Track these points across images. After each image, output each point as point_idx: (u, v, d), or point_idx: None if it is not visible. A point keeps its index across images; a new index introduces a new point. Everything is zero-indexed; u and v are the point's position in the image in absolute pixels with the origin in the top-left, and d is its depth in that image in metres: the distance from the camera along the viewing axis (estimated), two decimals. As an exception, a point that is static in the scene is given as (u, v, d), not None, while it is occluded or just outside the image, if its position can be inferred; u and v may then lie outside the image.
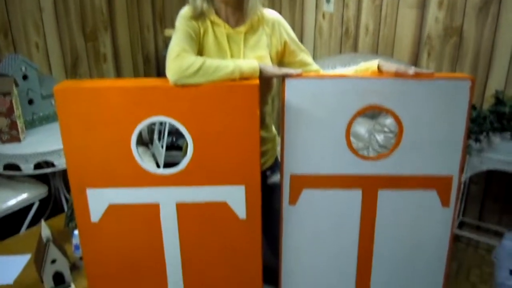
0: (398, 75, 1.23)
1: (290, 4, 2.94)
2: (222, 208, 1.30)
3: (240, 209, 1.30)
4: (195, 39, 1.35)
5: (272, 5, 3.00)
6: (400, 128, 1.27)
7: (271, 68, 1.31)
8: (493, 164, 2.38)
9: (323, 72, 1.53)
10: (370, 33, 2.69)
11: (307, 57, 1.53)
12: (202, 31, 1.38)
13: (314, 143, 1.28)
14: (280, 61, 1.50)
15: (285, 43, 1.47)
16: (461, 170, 1.31)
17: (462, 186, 2.60)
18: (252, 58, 1.34)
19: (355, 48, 2.78)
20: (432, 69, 2.54)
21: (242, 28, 1.41)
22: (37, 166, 2.21)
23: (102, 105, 1.19)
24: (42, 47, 2.59)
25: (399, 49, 2.62)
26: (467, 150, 2.36)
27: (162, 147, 2.67)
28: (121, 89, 1.19)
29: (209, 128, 1.21)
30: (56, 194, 2.60)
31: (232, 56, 1.40)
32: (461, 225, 2.81)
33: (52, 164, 2.22)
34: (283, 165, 1.31)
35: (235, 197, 1.28)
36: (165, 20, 3.36)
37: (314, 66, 1.54)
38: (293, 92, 1.24)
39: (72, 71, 2.77)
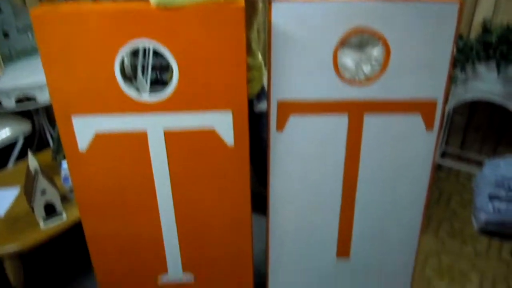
0: None
1: None
2: (210, 135, 1.30)
3: (228, 136, 1.30)
4: None
5: None
6: (387, 51, 1.26)
7: None
8: (477, 94, 2.40)
9: None
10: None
11: None
12: None
13: (301, 67, 1.27)
14: None
15: None
16: (446, 94, 1.32)
17: (446, 116, 2.64)
18: None
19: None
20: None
21: None
22: (19, 102, 2.17)
23: (83, 30, 1.14)
24: (14, -23, 2.45)
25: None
26: (452, 80, 2.38)
27: (146, 82, 2.63)
28: (102, 13, 1.14)
29: (194, 51, 1.18)
30: (40, 130, 2.58)
31: None
32: (443, 155, 2.89)
33: (34, 99, 2.18)
34: (270, 90, 1.30)
35: (223, 123, 1.28)
36: None
37: None
38: (279, 16, 1.20)
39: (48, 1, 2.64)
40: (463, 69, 2.35)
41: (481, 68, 2.36)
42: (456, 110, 2.70)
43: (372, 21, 1.22)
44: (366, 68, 2.46)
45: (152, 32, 1.16)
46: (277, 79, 1.28)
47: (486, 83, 2.36)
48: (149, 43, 1.16)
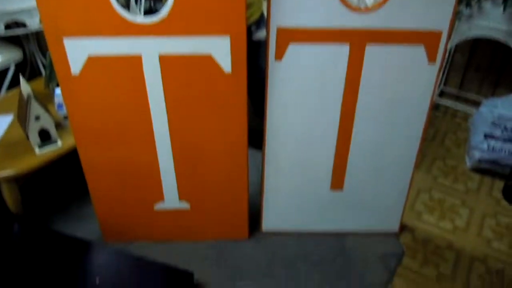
0: None
1: None
2: (207, 61, 1.27)
3: (225, 62, 1.27)
4: None
5: None
6: None
7: None
8: (481, 31, 2.34)
9: None
10: None
11: None
12: None
13: None
14: None
15: None
16: (451, 26, 1.28)
17: (447, 54, 2.59)
18: None
19: None
20: None
21: None
22: (8, 28, 2.09)
23: None
24: None
25: None
26: (456, 15, 2.31)
27: (140, 11, 2.53)
28: None
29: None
30: (31, 58, 2.51)
31: None
32: (441, 94, 2.87)
33: (23, 25, 2.10)
34: (270, 17, 1.25)
35: (220, 49, 1.24)
36: None
37: None
38: None
39: None
40: (468, 4, 2.27)
41: (487, 4, 2.28)
42: (458, 48, 2.65)
43: None
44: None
45: None
46: (277, 4, 1.23)
47: (491, 20, 2.30)
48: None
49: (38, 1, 1.15)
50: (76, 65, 1.25)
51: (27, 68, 2.53)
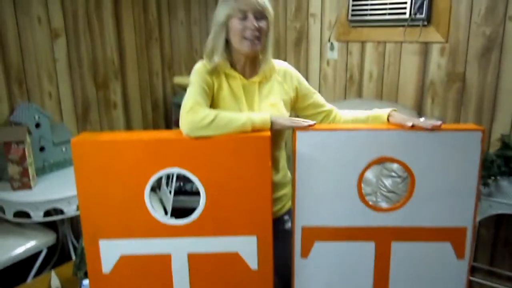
0: (414, 128, 1.24)
1: (295, 51, 3.03)
2: (234, 258, 1.30)
3: (252, 260, 1.30)
4: (209, 93, 1.40)
5: (277, 53, 3.09)
6: (412, 179, 1.28)
7: (282, 120, 1.33)
8: (502, 209, 2.36)
9: (337, 110, 1.57)
10: (374, 79, 2.76)
11: (319, 99, 1.57)
12: (216, 85, 1.43)
13: (325, 195, 1.29)
14: (294, 105, 1.56)
15: (296, 88, 1.53)
16: (475, 221, 1.31)
17: (472, 230, 2.57)
18: (267, 106, 1.43)
19: (359, 94, 2.83)
20: (437, 115, 2.58)
21: (256, 78, 1.47)
22: (47, 213, 2.22)
23: (117, 157, 1.22)
24: (55, 96, 2.67)
25: (403, 95, 2.68)
26: (475, 195, 2.36)
27: (170, 192, 2.68)
28: (136, 142, 1.22)
29: (221, 179, 1.23)
30: (63, 240, 2.60)
31: (247, 104, 1.44)
32: (473, 270, 2.76)
33: (61, 211, 2.23)
34: (295, 217, 1.31)
35: (247, 248, 1.28)
36: (173, 67, 3.46)
37: (327, 107, 1.57)
38: (304, 144, 1.26)
39: (83, 118, 2.83)
40: (485, 184, 2.34)
41: (504, 182, 2.35)
42: (482, 223, 2.64)
43: (396, 150, 1.26)
44: (387, 181, 2.49)
45: (182, 161, 1.22)
46: (302, 206, 1.30)
47: (510, 198, 2.34)
48: (180, 171, 1.22)
49: (81, 205, 1.25)
50: (108, 264, 1.29)
51: (58, 249, 2.60)
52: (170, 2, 3.36)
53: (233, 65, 1.46)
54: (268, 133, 1.24)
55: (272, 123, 1.29)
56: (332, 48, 2.85)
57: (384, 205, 2.41)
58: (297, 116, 1.48)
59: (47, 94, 2.63)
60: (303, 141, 1.27)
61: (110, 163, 1.22)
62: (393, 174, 2.45)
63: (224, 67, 1.44)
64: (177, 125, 3.18)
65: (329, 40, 2.86)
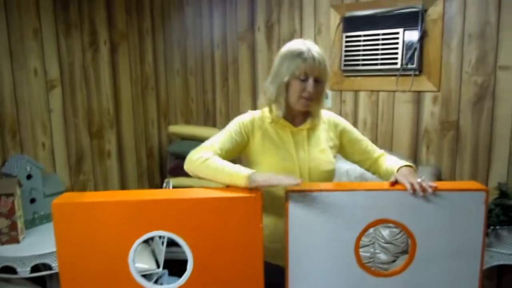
0: (414, 190, 1.20)
1: (290, 100, 3.05)
2: (224, 324, 1.24)
3: (242, 327, 1.23)
4: (237, 142, 1.48)
5: (272, 101, 3.11)
6: (413, 242, 1.22)
7: (263, 177, 1.26)
8: (503, 259, 2.30)
9: (384, 159, 1.57)
10: (368, 127, 2.76)
11: (365, 147, 1.61)
12: (258, 135, 1.51)
13: (321, 260, 1.23)
14: (341, 151, 1.62)
15: (340, 135, 1.59)
16: (481, 284, 1.24)
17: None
18: (317, 152, 1.51)
19: (354, 142, 2.82)
20: (432, 163, 2.56)
21: (304, 126, 1.53)
22: (35, 267, 2.15)
23: (99, 219, 1.18)
24: (48, 146, 2.66)
25: (397, 143, 2.67)
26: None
27: (162, 243, 2.62)
28: (119, 203, 1.19)
29: (210, 242, 1.19)
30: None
31: (296, 149, 1.50)
32: (478, 324, 2.66)
33: (49, 267, 2.16)
34: (288, 285, 1.25)
35: (238, 314, 1.22)
36: (169, 116, 3.48)
37: (376, 153, 1.61)
38: (296, 206, 1.21)
39: (76, 168, 2.81)
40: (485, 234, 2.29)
41: (504, 232, 2.30)
42: (484, 274, 2.56)
43: (396, 211, 1.21)
44: (385, 232, 2.44)
45: (168, 224, 1.18)
46: (296, 272, 1.24)
47: (511, 248, 2.28)
48: (166, 234, 1.18)
49: (60, 268, 1.20)
50: (90, 332, 1.22)
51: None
52: (167, 53, 3.42)
53: (284, 116, 1.53)
54: (259, 192, 1.21)
55: (250, 181, 1.24)
56: (326, 96, 2.87)
57: (382, 256, 2.35)
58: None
59: (41, 144, 2.62)
60: (295, 203, 1.21)
61: (92, 226, 1.18)
62: (391, 224, 2.40)
63: (278, 119, 1.52)
64: (172, 173, 3.15)
65: (323, 89, 2.89)
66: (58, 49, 2.65)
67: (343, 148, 1.61)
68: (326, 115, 1.61)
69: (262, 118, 1.54)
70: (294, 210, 1.21)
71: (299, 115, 1.54)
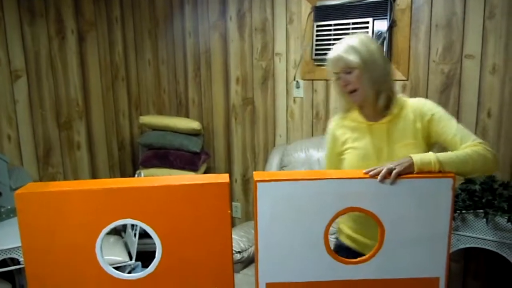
0: (375, 177, 1.22)
1: (262, 89, 3.05)
2: (194, 313, 1.24)
3: (213, 313, 1.24)
4: (337, 150, 1.59)
5: (245, 90, 3.11)
6: (382, 230, 1.23)
7: None
8: (469, 242, 2.37)
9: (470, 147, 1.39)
10: (340, 116, 2.79)
11: (452, 137, 1.43)
12: (348, 134, 1.57)
13: (290, 249, 1.23)
14: (430, 140, 1.50)
15: (429, 125, 1.48)
16: (447, 271, 1.26)
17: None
18: (400, 147, 1.47)
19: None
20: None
21: (384, 120, 1.51)
22: (2, 262, 2.10)
23: (65, 209, 1.15)
24: (14, 139, 2.58)
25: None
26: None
27: (135, 235, 2.59)
28: (84, 192, 1.16)
29: (178, 229, 1.18)
30: (20, 292, 2.45)
31: (374, 146, 1.51)
32: (446, 306, 2.75)
33: (17, 262, 2.11)
34: (258, 273, 1.24)
35: (208, 301, 1.23)
36: (140, 107, 3.43)
37: (461, 146, 1.40)
38: (265, 195, 1.20)
39: (44, 160, 2.74)
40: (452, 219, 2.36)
41: (469, 216, 2.37)
42: (451, 257, 2.64)
43: (365, 199, 1.21)
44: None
45: (135, 212, 1.17)
46: (265, 261, 1.23)
47: (476, 232, 2.35)
48: (133, 223, 1.17)
49: (26, 260, 1.17)
50: (57, 325, 1.20)
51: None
52: (137, 43, 3.36)
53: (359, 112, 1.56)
54: (227, 179, 1.21)
55: None
56: (297, 86, 2.89)
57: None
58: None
59: (6, 137, 2.54)
60: (264, 192, 1.20)
61: (57, 216, 1.15)
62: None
63: (353, 116, 1.56)
64: (144, 165, 3.11)
65: (294, 79, 2.90)
66: (22, 38, 2.57)
67: (430, 138, 1.50)
68: (415, 103, 1.52)
69: (343, 118, 1.60)
70: (263, 199, 1.20)
71: (370, 109, 1.53)
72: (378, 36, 2.48)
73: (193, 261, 1.20)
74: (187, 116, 3.39)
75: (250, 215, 3.31)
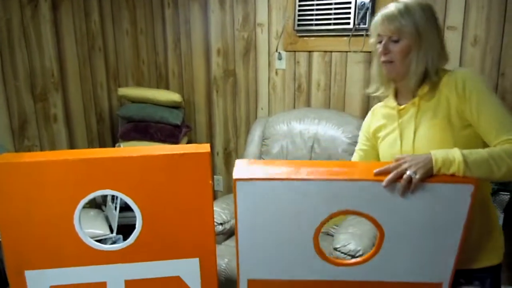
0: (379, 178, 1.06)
1: (244, 61, 3.00)
2: (175, 282, 1.23)
3: (194, 283, 1.23)
4: (368, 145, 1.46)
5: (226, 62, 3.05)
6: (381, 233, 1.11)
7: None
8: None
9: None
10: (321, 88, 2.77)
11: (488, 125, 1.17)
12: (384, 121, 1.39)
13: (273, 246, 1.15)
14: (465, 124, 1.22)
15: (464, 103, 1.21)
16: (452, 276, 1.15)
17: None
18: (425, 128, 1.25)
19: (308, 103, 2.84)
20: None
21: (414, 100, 1.30)
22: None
23: (41, 180, 1.11)
24: (-13, 111, 2.49)
25: (350, 104, 2.71)
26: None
27: (115, 208, 2.57)
28: (62, 162, 1.12)
29: (158, 200, 1.16)
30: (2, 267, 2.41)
31: (401, 131, 1.32)
32: None
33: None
34: (239, 270, 1.19)
35: (189, 271, 1.22)
36: (119, 78, 3.34)
37: (497, 140, 1.15)
38: (245, 194, 1.10)
39: (20, 133, 2.66)
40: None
41: None
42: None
43: (362, 202, 1.08)
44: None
45: (114, 182, 1.14)
46: (246, 258, 1.17)
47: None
48: (112, 193, 1.14)
49: (2, 233, 1.14)
50: (36, 297, 1.19)
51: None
52: (114, 12, 3.24)
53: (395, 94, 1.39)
54: (208, 149, 1.19)
55: None
56: (280, 57, 2.85)
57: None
58: None
59: (-22, 109, 2.45)
60: (244, 192, 1.10)
61: (33, 187, 1.11)
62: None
63: (389, 102, 1.39)
64: (123, 138, 3.05)
65: (276, 50, 2.85)
66: (-8, 4, 2.45)
67: (463, 120, 1.22)
68: (453, 75, 1.25)
69: (381, 106, 1.43)
70: (243, 201, 1.11)
71: (402, 89, 1.34)
72: (361, 7, 2.45)
73: (174, 232, 1.19)
74: (167, 88, 3.32)
75: (231, 188, 3.30)
